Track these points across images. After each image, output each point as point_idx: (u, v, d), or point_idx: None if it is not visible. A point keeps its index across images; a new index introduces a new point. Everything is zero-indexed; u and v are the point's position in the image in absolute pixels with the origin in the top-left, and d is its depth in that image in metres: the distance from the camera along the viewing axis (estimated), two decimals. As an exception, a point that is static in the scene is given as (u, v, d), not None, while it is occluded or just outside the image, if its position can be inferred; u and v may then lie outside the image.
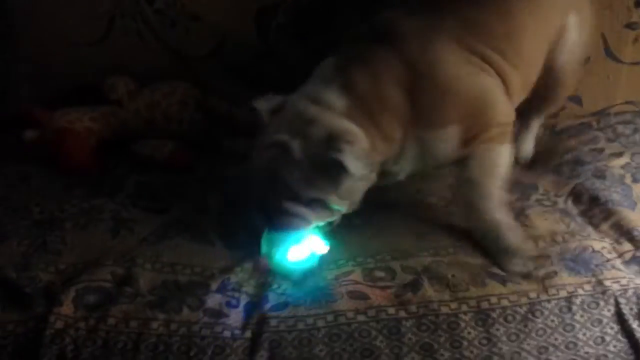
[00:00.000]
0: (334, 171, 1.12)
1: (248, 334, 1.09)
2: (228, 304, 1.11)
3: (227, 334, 1.09)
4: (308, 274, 1.17)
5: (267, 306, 1.12)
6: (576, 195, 1.39)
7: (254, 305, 1.13)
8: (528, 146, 1.56)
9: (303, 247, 1.18)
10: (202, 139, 1.57)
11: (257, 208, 1.19)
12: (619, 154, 1.51)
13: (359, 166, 1.13)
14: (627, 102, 1.75)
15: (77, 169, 1.44)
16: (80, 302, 1.10)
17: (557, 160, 1.53)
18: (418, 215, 1.34)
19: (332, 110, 1.18)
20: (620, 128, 1.64)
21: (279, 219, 1.17)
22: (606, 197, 1.37)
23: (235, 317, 1.10)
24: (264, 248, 1.19)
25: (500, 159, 1.28)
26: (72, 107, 1.54)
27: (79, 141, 1.46)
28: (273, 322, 1.10)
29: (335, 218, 1.22)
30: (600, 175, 1.44)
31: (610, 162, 1.48)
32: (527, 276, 1.17)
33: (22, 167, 1.45)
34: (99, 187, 1.37)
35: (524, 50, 1.35)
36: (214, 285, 1.13)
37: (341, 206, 1.20)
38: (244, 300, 1.13)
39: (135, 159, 1.49)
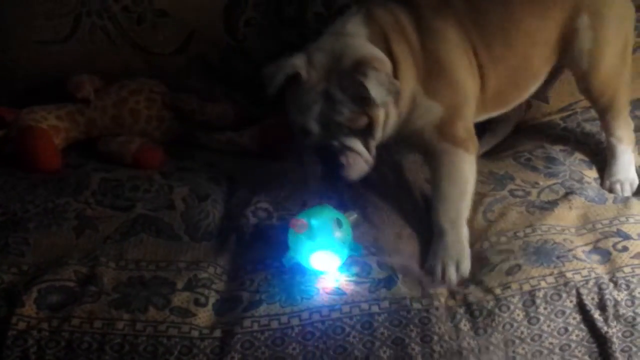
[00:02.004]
0: (366, 94, 1.19)
1: (217, 333, 1.08)
2: (196, 302, 1.11)
3: (194, 333, 1.08)
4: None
5: (241, 306, 1.12)
6: (551, 190, 1.42)
7: (225, 304, 1.12)
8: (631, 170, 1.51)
9: (325, 254, 1.15)
10: (171, 136, 1.56)
11: (321, 160, 1.26)
12: (589, 165, 1.53)
13: (383, 92, 1.20)
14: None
15: (43, 168, 1.42)
16: (43, 302, 1.08)
17: (527, 154, 1.55)
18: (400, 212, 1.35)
19: (356, 37, 1.28)
20: (587, 127, 1.65)
21: (342, 157, 1.24)
22: (581, 192, 1.40)
23: (203, 316, 1.09)
24: (291, 248, 1.17)
25: (463, 165, 1.32)
26: (38, 106, 1.51)
27: (45, 140, 1.44)
28: (246, 323, 1.09)
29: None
30: (579, 179, 1.47)
31: (584, 170, 1.51)
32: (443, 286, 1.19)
33: (-14, 166, 1.42)
34: (64, 186, 1.35)
35: (514, 48, 1.37)
36: (180, 283, 1.13)
37: (380, 133, 1.27)
38: (213, 298, 1.12)
39: (103, 157, 1.47)
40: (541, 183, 1.45)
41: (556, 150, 1.57)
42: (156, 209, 1.29)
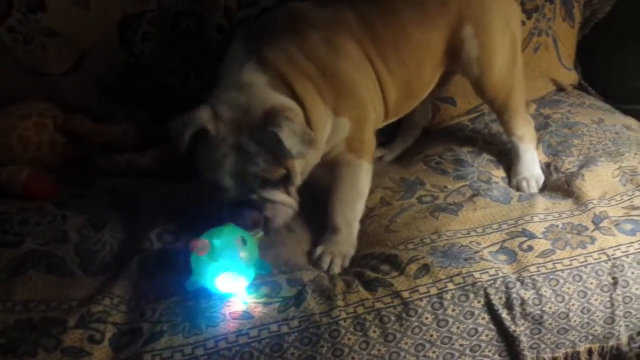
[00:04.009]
0: (281, 147, 1.17)
1: (115, 371, 1.03)
2: (91, 340, 1.05)
3: (90, 374, 1.02)
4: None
5: (141, 340, 1.06)
6: (459, 193, 1.44)
7: (124, 338, 1.07)
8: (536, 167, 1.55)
9: (231, 276, 1.12)
10: (66, 162, 1.48)
11: (235, 214, 1.20)
12: (497, 165, 1.57)
13: (297, 143, 1.18)
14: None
15: None
16: None
17: (437, 158, 1.57)
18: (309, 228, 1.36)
19: (258, 87, 1.23)
20: (494, 127, 1.69)
21: (266, 210, 1.22)
22: (486, 193, 1.43)
23: (99, 354, 1.03)
24: (194, 270, 1.12)
25: (361, 173, 1.36)
26: None
27: None
28: (147, 358, 1.04)
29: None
30: (487, 180, 1.50)
31: (492, 170, 1.54)
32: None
33: None
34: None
35: (406, 60, 1.40)
36: (73, 321, 1.06)
37: (299, 180, 1.26)
38: (110, 332, 1.07)
39: (-10, 189, 1.39)
40: (450, 187, 1.47)
41: (465, 152, 1.60)
42: (48, 243, 1.22)
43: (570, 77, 1.94)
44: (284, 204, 1.24)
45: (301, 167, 1.26)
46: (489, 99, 1.53)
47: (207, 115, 1.20)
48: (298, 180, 1.26)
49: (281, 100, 1.23)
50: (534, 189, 1.50)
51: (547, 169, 1.55)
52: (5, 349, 1.02)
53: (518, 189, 1.50)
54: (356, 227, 1.34)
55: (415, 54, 1.41)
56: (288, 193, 1.25)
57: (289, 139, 1.16)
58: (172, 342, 1.06)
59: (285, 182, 1.23)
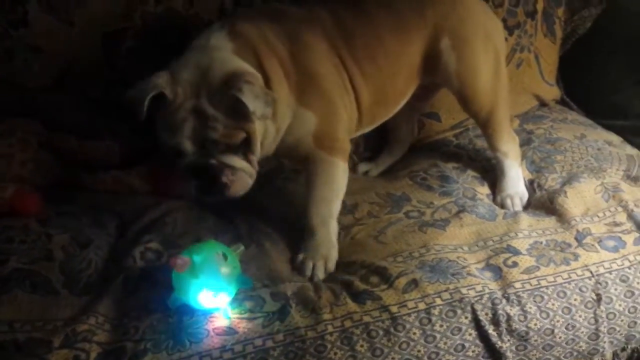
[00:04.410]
0: (242, 109, 1.16)
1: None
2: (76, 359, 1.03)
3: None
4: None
5: (124, 358, 1.06)
6: (445, 209, 1.45)
7: (109, 357, 1.06)
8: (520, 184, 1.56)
9: (212, 292, 1.11)
10: (51, 179, 1.47)
11: (197, 181, 1.21)
12: (481, 181, 1.58)
13: (260, 105, 1.17)
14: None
15: None
16: None
17: (422, 174, 1.59)
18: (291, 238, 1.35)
19: (222, 50, 1.23)
20: (478, 143, 1.71)
21: (224, 176, 1.20)
22: (472, 210, 1.44)
23: (85, 373, 1.03)
24: (176, 287, 1.12)
25: (336, 171, 1.35)
26: None
27: None
28: (131, 377, 1.03)
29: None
30: (471, 197, 1.51)
31: (476, 187, 1.56)
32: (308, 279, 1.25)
33: None
34: None
35: (380, 66, 1.40)
36: (57, 341, 1.05)
37: (259, 148, 1.25)
38: (95, 352, 1.06)
39: (-27, 207, 1.36)
40: (436, 202, 1.48)
41: (449, 168, 1.61)
42: (32, 261, 1.20)
43: (552, 92, 1.97)
44: (244, 170, 1.23)
45: (261, 135, 1.24)
46: (472, 112, 1.54)
47: (164, 79, 1.19)
48: (258, 148, 1.24)
49: (242, 65, 1.23)
50: (518, 206, 1.51)
51: (530, 185, 1.57)
52: (-10, 370, 1.01)
53: (502, 206, 1.51)
54: (334, 225, 1.33)
55: (390, 60, 1.41)
56: (248, 161, 1.23)
57: (251, 101, 1.16)
58: (156, 359, 1.05)
59: (245, 148, 1.22)
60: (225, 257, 1.13)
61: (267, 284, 1.21)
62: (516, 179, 1.54)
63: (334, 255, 1.29)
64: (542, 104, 1.94)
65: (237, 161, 1.22)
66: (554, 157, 1.63)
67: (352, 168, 1.67)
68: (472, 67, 1.46)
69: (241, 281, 1.15)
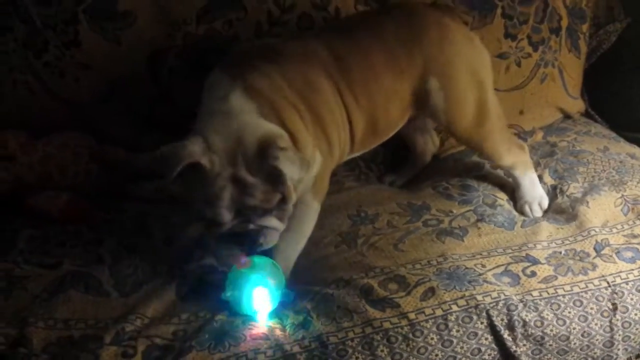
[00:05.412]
0: (279, 175, 1.18)
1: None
2: (124, 355, 1.14)
3: (123, 385, 1.11)
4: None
5: (171, 354, 1.16)
6: (463, 217, 1.51)
7: (155, 352, 1.16)
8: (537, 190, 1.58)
9: (264, 291, 1.21)
10: (100, 189, 1.58)
11: (236, 243, 1.23)
12: (502, 187, 1.62)
13: (296, 170, 1.19)
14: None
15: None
16: (-26, 368, 1.10)
17: (444, 184, 1.64)
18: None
19: (247, 113, 1.23)
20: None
21: (261, 238, 1.23)
22: (490, 219, 1.49)
23: (133, 368, 1.13)
24: (228, 291, 1.21)
25: (313, 215, 1.37)
26: None
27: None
28: (176, 370, 1.13)
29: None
30: (491, 204, 1.56)
31: (496, 193, 1.60)
32: None
33: None
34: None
35: (375, 101, 1.43)
36: (108, 338, 1.16)
37: (292, 203, 1.26)
38: (142, 346, 1.16)
39: (30, 213, 1.49)
40: (455, 211, 1.53)
41: (471, 177, 1.66)
42: (84, 264, 1.32)
43: (576, 105, 1.99)
44: (277, 229, 1.26)
45: (296, 191, 1.26)
46: (462, 142, 1.59)
47: (199, 147, 1.17)
48: (291, 205, 1.26)
49: (271, 128, 1.23)
50: (537, 212, 1.53)
51: (552, 191, 1.59)
52: (48, 362, 1.12)
53: (521, 212, 1.54)
54: (292, 265, 1.34)
55: (384, 95, 1.43)
56: (280, 217, 1.25)
57: (288, 168, 1.17)
58: (198, 356, 1.15)
59: (280, 207, 1.24)
60: (276, 267, 1.24)
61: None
62: (531, 186, 1.57)
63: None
64: (567, 116, 1.98)
65: (272, 221, 1.24)
66: (577, 168, 1.66)
67: (379, 178, 1.75)
68: (458, 105, 1.48)
69: (285, 293, 1.24)
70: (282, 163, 1.17)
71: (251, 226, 1.22)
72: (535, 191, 1.57)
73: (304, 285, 1.31)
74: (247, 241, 1.23)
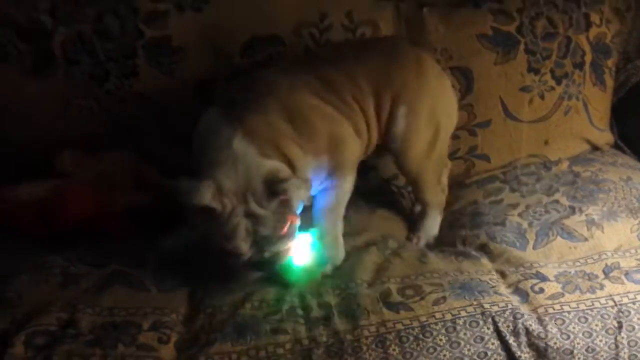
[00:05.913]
0: (287, 203, 1.33)
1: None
2: (160, 340, 1.28)
3: (158, 365, 1.24)
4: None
5: (198, 344, 1.28)
6: (473, 239, 1.61)
7: (185, 343, 1.30)
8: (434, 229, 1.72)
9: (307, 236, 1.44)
10: (139, 205, 1.66)
11: (257, 269, 1.39)
12: (516, 205, 1.70)
13: (302, 194, 1.35)
14: (530, 156, 1.95)
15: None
16: (30, 343, 1.25)
17: (457, 215, 1.74)
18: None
19: (249, 156, 1.36)
20: (524, 179, 1.83)
21: (277, 260, 1.38)
22: (501, 238, 1.58)
23: (165, 352, 1.27)
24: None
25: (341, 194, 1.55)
26: (28, 182, 1.64)
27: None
28: (201, 359, 1.26)
29: None
30: (500, 222, 1.64)
31: (508, 211, 1.68)
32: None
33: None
34: (53, 248, 1.53)
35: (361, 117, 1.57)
36: (146, 325, 1.30)
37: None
38: (175, 335, 1.30)
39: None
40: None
41: (486, 204, 1.74)
42: (129, 266, 1.47)
43: (603, 137, 2.03)
44: (290, 249, 1.40)
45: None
46: (403, 171, 1.68)
47: (211, 192, 1.30)
48: (298, 223, 1.41)
49: (272, 165, 1.37)
50: (422, 244, 1.67)
51: (569, 209, 1.65)
52: (93, 342, 1.26)
53: (409, 239, 1.68)
54: (340, 242, 1.53)
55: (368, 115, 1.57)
56: (288, 237, 1.38)
57: (295, 194, 1.33)
58: (222, 348, 1.27)
59: (290, 229, 1.37)
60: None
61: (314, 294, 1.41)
62: (433, 224, 1.70)
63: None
64: (595, 147, 2.01)
65: (286, 245, 1.38)
66: (597, 195, 1.69)
67: (410, 209, 1.82)
68: (412, 137, 1.59)
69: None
70: (290, 192, 1.32)
71: (266, 254, 1.36)
72: (431, 230, 1.70)
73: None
74: (265, 268, 1.39)
